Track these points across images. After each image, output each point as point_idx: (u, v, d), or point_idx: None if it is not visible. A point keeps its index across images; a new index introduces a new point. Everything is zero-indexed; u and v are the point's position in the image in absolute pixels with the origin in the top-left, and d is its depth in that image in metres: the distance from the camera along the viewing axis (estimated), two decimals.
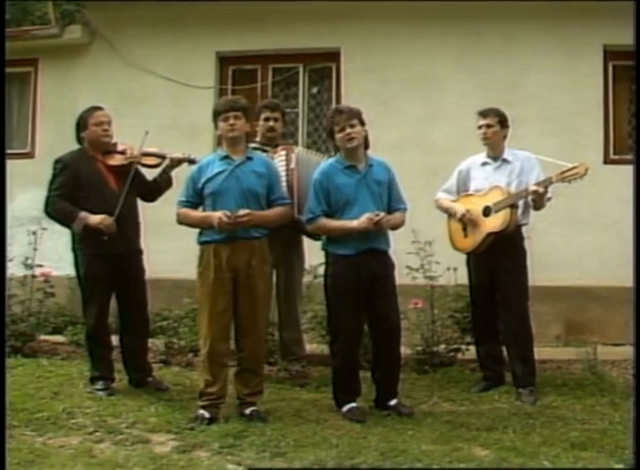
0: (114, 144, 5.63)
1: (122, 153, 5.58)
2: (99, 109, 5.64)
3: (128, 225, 5.48)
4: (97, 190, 5.43)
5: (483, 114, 5.64)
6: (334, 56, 8.24)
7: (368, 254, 4.97)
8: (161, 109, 8.27)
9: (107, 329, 5.62)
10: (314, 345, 6.33)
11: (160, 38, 8.37)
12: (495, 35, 7.81)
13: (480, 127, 5.64)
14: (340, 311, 5.02)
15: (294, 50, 8.29)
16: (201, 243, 5.02)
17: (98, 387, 5.51)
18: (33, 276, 6.94)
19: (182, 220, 5.10)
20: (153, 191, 5.74)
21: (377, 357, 5.15)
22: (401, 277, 6.13)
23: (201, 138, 8.08)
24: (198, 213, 5.04)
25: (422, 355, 6.31)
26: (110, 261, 5.41)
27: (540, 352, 5.84)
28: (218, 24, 8.25)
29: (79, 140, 5.61)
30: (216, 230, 4.88)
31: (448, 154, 7.18)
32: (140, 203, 5.75)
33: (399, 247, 5.78)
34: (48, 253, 7.03)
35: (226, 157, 5.01)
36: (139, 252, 5.69)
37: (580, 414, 5.08)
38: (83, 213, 5.34)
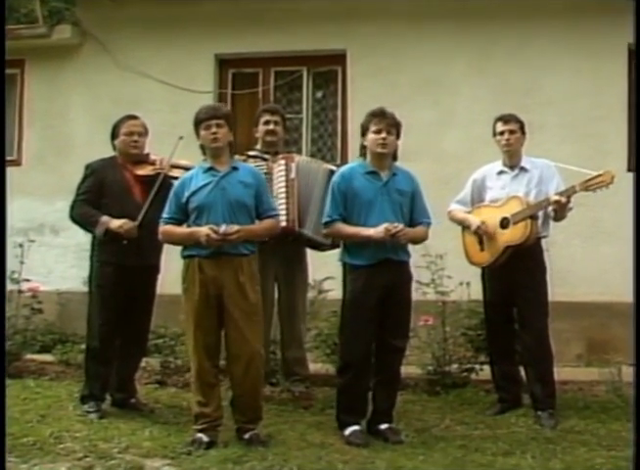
0: (146, 154, 5.70)
1: (153, 163, 5.64)
2: (133, 118, 5.72)
3: (147, 237, 5.42)
4: (120, 199, 5.50)
5: (505, 119, 5.64)
6: (339, 58, 8.25)
7: (384, 264, 4.96)
8: (157, 115, 8.22)
9: (111, 345, 5.59)
10: (318, 364, 6.31)
11: (156, 39, 8.38)
12: (510, 36, 7.82)
13: (501, 133, 5.62)
14: (354, 325, 5.00)
15: (297, 52, 8.30)
16: (184, 257, 4.98)
17: (89, 408, 5.49)
18: (20, 291, 6.91)
19: (166, 238, 5.05)
20: None
21: (376, 375, 5.12)
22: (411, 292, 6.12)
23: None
24: (183, 230, 4.98)
25: (433, 376, 6.28)
26: (121, 272, 5.43)
27: (560, 373, 5.81)
28: (217, 25, 8.26)
29: (113, 147, 5.72)
30: (202, 246, 4.82)
31: (460, 162, 7.17)
32: None
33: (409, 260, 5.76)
34: (36, 266, 7.02)
35: (210, 168, 4.97)
36: (155, 268, 5.71)
37: (605, 439, 5.02)
38: (105, 218, 5.41)
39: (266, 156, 5.87)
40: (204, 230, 4.77)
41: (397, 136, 5.08)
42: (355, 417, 5.05)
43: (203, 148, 5.03)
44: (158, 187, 5.46)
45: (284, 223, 5.51)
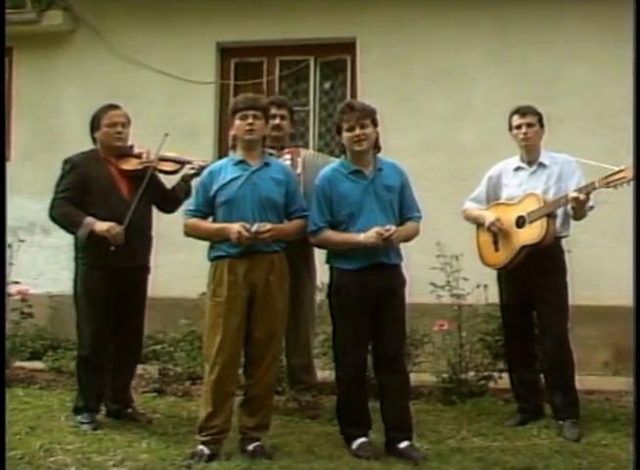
0: (130, 147, 5.68)
1: (138, 157, 5.62)
2: (114, 107, 5.67)
3: (137, 237, 5.48)
4: (106, 196, 5.47)
5: (523, 112, 5.60)
6: (349, 47, 8.24)
7: (376, 268, 4.92)
8: (155, 106, 8.27)
9: (104, 353, 5.58)
10: (326, 372, 6.28)
11: (154, 26, 8.38)
12: (530, 21, 7.78)
13: (518, 127, 5.59)
14: (344, 332, 4.98)
15: (304, 40, 8.29)
16: (213, 259, 5.00)
17: (82, 419, 5.49)
18: (9, 295, 6.89)
19: (191, 232, 5.06)
20: (170, 200, 5.75)
21: (380, 387, 5.06)
22: (425, 295, 6.11)
23: (200, 140, 8.09)
24: (211, 225, 5.01)
25: (448, 384, 6.26)
26: (111, 275, 5.41)
27: (585, 382, 5.79)
28: (219, 11, 8.26)
29: (93, 140, 5.67)
30: (232, 243, 4.87)
31: (477, 157, 7.15)
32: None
33: (422, 261, 5.75)
34: (25, 268, 7.02)
35: (241, 161, 5.01)
36: (146, 269, 5.70)
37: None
38: (89, 219, 5.36)
39: (271, 150, 5.85)
40: (235, 227, 4.81)
41: (374, 124, 5.00)
42: (360, 429, 5.02)
43: (234, 138, 5.06)
44: (146, 182, 5.45)
45: None
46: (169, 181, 5.80)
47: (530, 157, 5.63)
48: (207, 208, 5.01)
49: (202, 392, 5.05)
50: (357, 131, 4.90)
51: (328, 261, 5.12)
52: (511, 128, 5.66)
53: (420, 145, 7.73)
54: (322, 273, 5.99)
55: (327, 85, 8.55)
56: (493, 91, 7.72)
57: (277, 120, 5.91)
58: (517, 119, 5.61)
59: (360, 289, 4.90)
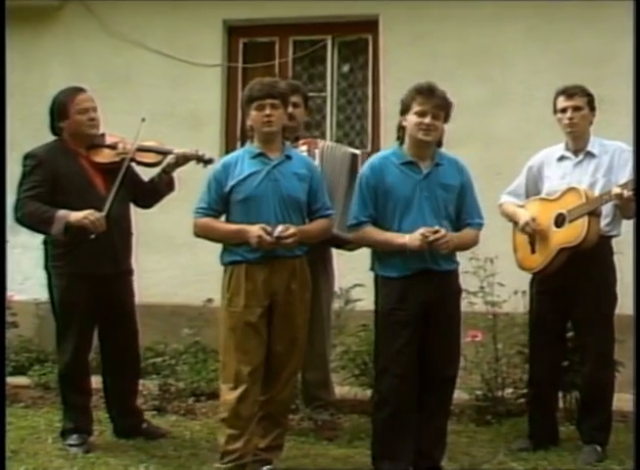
0: (102, 136, 5.65)
1: (113, 147, 5.59)
2: (81, 91, 5.62)
3: (117, 237, 5.48)
4: (81, 193, 5.42)
5: (569, 92, 5.51)
6: (370, 25, 8.24)
7: (423, 276, 4.85)
8: (154, 91, 8.29)
9: (86, 369, 5.63)
10: (345, 387, 6.31)
11: (153, 2, 8.38)
12: None
13: (563, 110, 5.51)
14: (389, 350, 4.92)
15: (320, 18, 8.29)
16: (227, 263, 5.00)
17: (71, 442, 5.51)
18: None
19: (203, 233, 5.05)
20: (149, 195, 5.75)
21: (420, 410, 4.98)
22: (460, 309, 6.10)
23: (205, 129, 8.12)
24: (228, 226, 5.00)
25: (483, 402, 6.28)
26: (92, 283, 5.41)
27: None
28: None
29: (55, 130, 5.62)
30: (249, 247, 4.86)
31: (515, 148, 7.14)
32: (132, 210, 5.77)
33: None
34: (9, 272, 7.03)
35: (260, 154, 4.99)
36: (129, 272, 5.71)
37: None
38: (62, 212, 5.27)
39: (285, 142, 5.87)
40: (254, 230, 4.79)
41: (446, 119, 4.96)
42: (396, 464, 4.89)
43: (251, 129, 5.06)
44: (123, 176, 5.43)
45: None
46: (145, 174, 5.80)
47: (577, 145, 5.55)
48: (221, 206, 5.00)
49: (220, 413, 5.03)
50: (428, 119, 4.83)
51: (372, 268, 5.07)
52: (555, 111, 5.58)
53: (450, 135, 7.61)
54: (340, 278, 6.03)
55: (346, 68, 8.55)
56: (535, 73, 7.68)
57: (290, 109, 5.92)
58: (562, 102, 5.52)
59: (405, 299, 4.85)
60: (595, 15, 7.65)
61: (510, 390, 6.31)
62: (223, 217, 5.06)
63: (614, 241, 5.56)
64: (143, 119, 5.52)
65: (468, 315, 6.11)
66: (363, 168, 5.08)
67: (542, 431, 5.63)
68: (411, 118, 4.87)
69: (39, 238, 5.57)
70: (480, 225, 5.07)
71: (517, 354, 6.39)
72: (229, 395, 4.90)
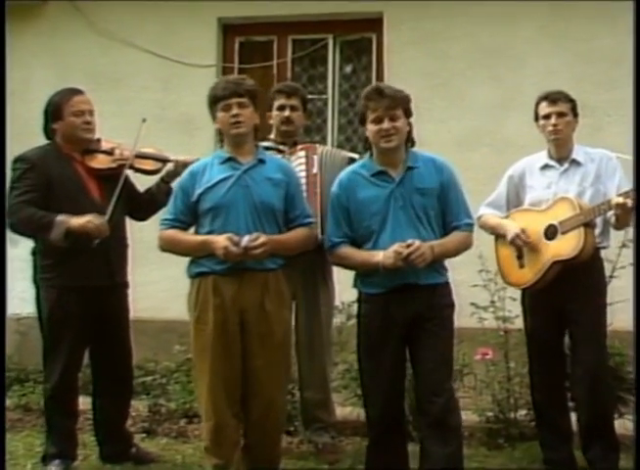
0: (98, 141, 5.66)
1: (109, 153, 5.59)
2: (78, 92, 5.62)
3: (113, 249, 5.48)
4: (74, 200, 5.41)
5: (552, 98, 5.51)
6: (374, 23, 8.27)
7: (404, 292, 4.79)
8: (145, 94, 8.32)
9: (74, 390, 5.61)
10: (347, 408, 6.29)
11: None
12: None
13: (546, 117, 5.51)
14: (368, 365, 4.94)
15: (321, 16, 8.32)
16: (194, 275, 4.95)
17: (53, 468, 5.47)
18: None
19: (168, 246, 5.01)
20: (146, 206, 5.73)
21: (421, 429, 4.97)
22: (465, 318, 6.08)
23: (198, 134, 8.11)
24: (193, 238, 4.96)
25: (494, 424, 6.25)
26: (85, 296, 5.39)
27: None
28: None
29: (48, 133, 5.62)
30: (217, 258, 4.80)
31: (527, 153, 7.01)
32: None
33: (462, 278, 5.72)
34: None
35: (229, 159, 4.95)
36: (124, 285, 5.71)
37: None
38: (61, 217, 5.25)
39: (282, 147, 5.87)
40: (220, 241, 4.74)
41: (407, 115, 4.87)
42: None
43: (220, 133, 5.03)
44: (123, 184, 5.43)
45: None
46: (141, 183, 5.80)
47: (561, 153, 5.53)
48: (188, 216, 4.96)
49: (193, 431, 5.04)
50: (386, 124, 4.75)
51: (355, 284, 5.04)
52: (537, 118, 5.58)
53: (458, 139, 7.72)
54: (341, 291, 6.02)
55: (348, 69, 8.58)
56: (548, 74, 7.68)
57: (287, 112, 5.92)
58: (545, 107, 5.52)
59: (385, 316, 4.81)
60: (613, 12, 7.65)
61: (523, 411, 6.26)
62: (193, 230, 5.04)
63: (602, 252, 5.54)
64: (144, 120, 5.53)
65: (478, 332, 6.13)
66: (333, 186, 5.02)
67: (557, 456, 5.58)
68: (369, 127, 4.81)
69: (20, 249, 5.57)
70: (468, 226, 4.97)
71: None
72: (206, 422, 4.89)
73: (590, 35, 7.72)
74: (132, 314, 5.84)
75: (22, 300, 5.61)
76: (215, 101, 4.95)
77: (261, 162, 4.98)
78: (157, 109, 8.18)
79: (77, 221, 5.25)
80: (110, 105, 7.69)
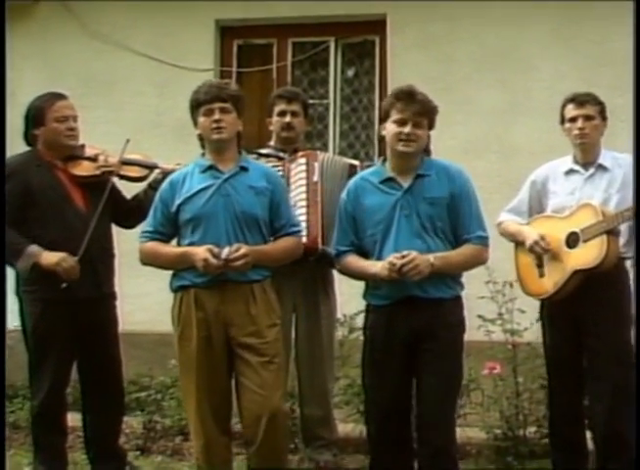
0: (82, 147, 5.63)
1: (93, 159, 5.57)
2: (61, 97, 5.60)
3: (99, 260, 5.46)
4: (57, 210, 5.39)
5: (579, 100, 5.49)
6: (377, 26, 8.28)
7: (407, 304, 4.74)
8: (139, 99, 8.31)
9: (63, 406, 5.59)
10: (349, 425, 6.29)
11: (138, 1, 8.40)
12: None
13: (572, 120, 5.49)
14: (370, 379, 4.92)
15: (322, 18, 8.33)
16: (176, 289, 4.93)
17: None
18: None
19: (149, 259, 5.00)
20: (133, 213, 5.70)
21: (420, 457, 4.87)
22: (472, 331, 6.03)
23: (194, 141, 7.98)
24: (172, 250, 4.94)
25: (502, 442, 6.23)
26: (71, 309, 5.36)
27: None
28: None
29: (29, 139, 5.60)
30: (198, 271, 4.77)
31: (536, 160, 7.02)
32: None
33: (468, 289, 5.68)
34: None
35: (210, 167, 4.92)
36: (112, 296, 5.68)
37: None
38: (33, 248, 5.24)
39: (282, 154, 5.87)
40: (200, 253, 4.70)
41: (430, 127, 4.85)
42: None
43: (201, 139, 5.00)
44: (109, 193, 5.42)
45: (304, 240, 5.50)
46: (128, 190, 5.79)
47: (587, 157, 5.51)
48: (169, 228, 4.93)
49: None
50: (408, 128, 4.72)
51: (364, 295, 5.00)
52: (563, 121, 5.56)
53: (464, 145, 7.71)
54: (343, 303, 6.01)
55: (350, 73, 8.59)
56: (559, 78, 7.69)
57: (287, 118, 5.92)
58: (572, 110, 5.49)
59: (388, 329, 4.78)
60: (627, 13, 7.61)
61: (533, 428, 6.25)
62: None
63: (627, 263, 5.49)
64: (127, 141, 5.50)
65: (485, 345, 6.12)
66: (343, 193, 5.02)
67: None
68: (390, 128, 4.78)
69: None
70: (481, 239, 4.87)
71: (540, 389, 6.32)
72: (196, 441, 4.90)
73: (602, 37, 7.72)
74: (126, 327, 5.84)
75: (9, 312, 5.59)
76: (197, 105, 4.94)
77: (244, 169, 4.95)
78: (152, 114, 8.18)
79: (48, 259, 5.23)
80: (103, 110, 7.71)
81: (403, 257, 4.59)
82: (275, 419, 4.81)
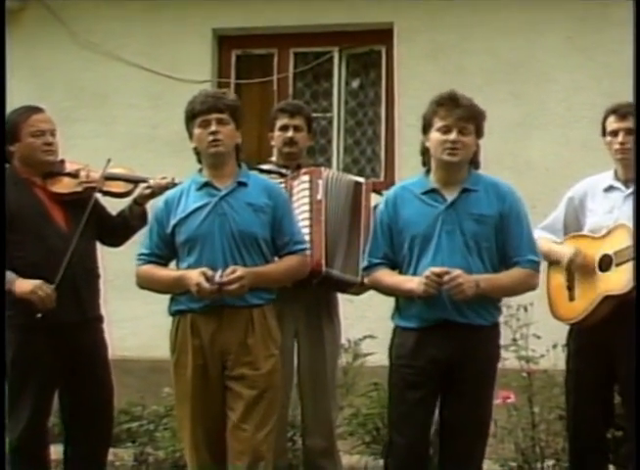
0: (61, 162, 5.60)
1: (74, 175, 5.53)
2: (37, 110, 5.54)
3: (82, 281, 5.39)
4: (37, 230, 5.33)
5: (621, 112, 5.39)
6: (383, 35, 8.32)
7: (441, 328, 4.66)
8: (132, 111, 8.32)
9: (44, 438, 5.50)
10: (355, 457, 6.28)
11: (130, 8, 8.43)
12: None
13: (614, 134, 5.41)
14: (397, 413, 4.82)
15: (325, 27, 8.37)
16: (173, 313, 4.90)
17: None
18: None
19: (145, 283, 4.97)
20: (118, 231, 5.67)
21: None
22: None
23: (190, 155, 7.95)
24: (167, 274, 4.91)
25: None
26: (53, 336, 5.29)
27: None
28: None
29: (4, 156, 5.52)
30: (193, 295, 4.73)
31: (552, 177, 7.14)
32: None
33: None
34: None
35: (206, 184, 4.88)
36: (98, 319, 5.61)
37: None
38: (7, 276, 5.17)
39: (284, 170, 5.85)
40: (194, 277, 4.65)
41: (478, 134, 4.76)
42: None
43: (197, 153, 4.97)
44: (91, 210, 5.35)
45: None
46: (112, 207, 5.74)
47: (628, 173, 5.40)
48: (165, 250, 4.90)
49: None
50: (453, 135, 4.62)
51: (393, 317, 4.90)
52: (605, 134, 5.47)
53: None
54: (347, 327, 5.98)
55: (355, 84, 8.61)
56: (576, 90, 7.73)
57: (290, 133, 5.90)
58: (613, 123, 5.39)
59: (416, 355, 4.69)
60: None
61: (550, 462, 6.25)
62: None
63: None
64: (109, 161, 5.46)
65: (498, 373, 6.06)
66: (380, 202, 4.98)
67: None
68: (434, 136, 4.68)
69: None
70: (532, 263, 4.76)
71: (557, 420, 6.33)
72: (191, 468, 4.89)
73: (622, 46, 7.64)
74: (116, 353, 5.82)
75: None
76: (193, 116, 4.89)
77: (242, 185, 4.90)
78: (146, 128, 8.18)
79: (21, 287, 5.16)
80: (93, 124, 7.70)
81: (445, 272, 4.51)
82: (259, 461, 4.76)
